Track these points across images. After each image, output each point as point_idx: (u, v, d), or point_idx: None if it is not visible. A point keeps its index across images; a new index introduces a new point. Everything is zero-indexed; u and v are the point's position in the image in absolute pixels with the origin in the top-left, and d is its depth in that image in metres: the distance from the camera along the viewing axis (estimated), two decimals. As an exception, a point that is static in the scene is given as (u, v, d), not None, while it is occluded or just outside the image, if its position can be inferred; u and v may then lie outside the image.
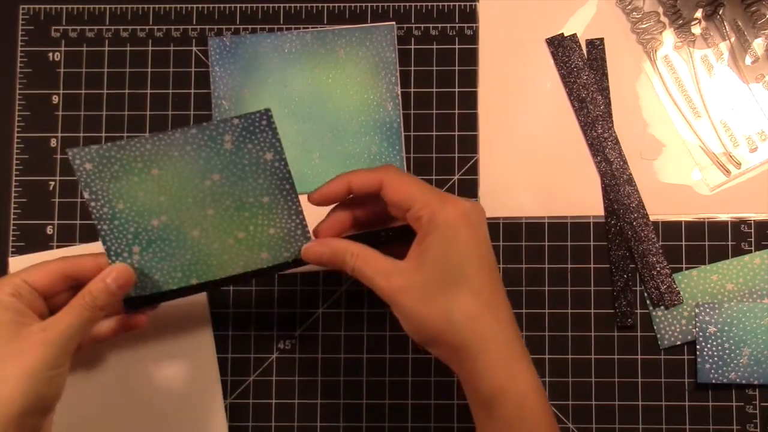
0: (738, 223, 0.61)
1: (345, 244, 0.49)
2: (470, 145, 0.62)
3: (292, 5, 0.63)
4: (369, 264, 0.47)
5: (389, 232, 0.51)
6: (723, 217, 0.61)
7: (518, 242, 0.61)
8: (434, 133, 0.62)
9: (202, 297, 0.60)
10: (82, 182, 0.51)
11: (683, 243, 0.61)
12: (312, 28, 0.62)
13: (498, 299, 0.47)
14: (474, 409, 0.47)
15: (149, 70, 0.62)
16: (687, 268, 0.60)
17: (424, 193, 0.47)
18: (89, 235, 0.60)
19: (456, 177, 0.61)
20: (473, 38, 0.62)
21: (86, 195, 0.51)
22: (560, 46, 0.62)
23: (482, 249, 0.47)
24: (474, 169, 0.61)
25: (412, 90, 0.62)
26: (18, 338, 0.45)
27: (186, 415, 0.59)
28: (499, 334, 0.46)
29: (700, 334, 0.59)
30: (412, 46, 0.62)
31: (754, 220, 0.61)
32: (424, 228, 0.46)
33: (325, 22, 0.63)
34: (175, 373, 0.59)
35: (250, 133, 0.51)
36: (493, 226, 0.61)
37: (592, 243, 0.61)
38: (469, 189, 0.61)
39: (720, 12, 0.61)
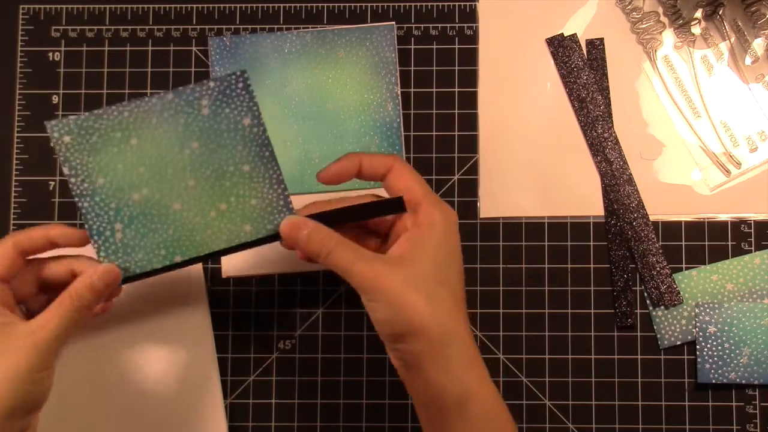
0: (738, 223, 0.61)
1: (326, 228, 0.48)
2: (470, 145, 0.62)
3: (292, 5, 0.63)
4: (349, 248, 0.47)
5: (370, 207, 0.50)
6: (723, 217, 0.61)
7: (518, 242, 0.61)
8: (434, 133, 0.62)
9: (202, 295, 0.60)
10: (62, 157, 0.50)
11: (683, 243, 0.61)
12: (312, 28, 0.62)
13: (464, 305, 0.48)
14: (439, 415, 0.46)
15: (149, 70, 0.62)
16: (687, 268, 0.60)
17: (425, 192, 0.48)
18: (89, 235, 0.60)
19: (456, 177, 0.61)
20: (473, 38, 0.62)
21: (66, 170, 0.51)
22: (560, 46, 0.62)
23: (460, 256, 0.48)
24: (474, 169, 0.61)
25: (412, 90, 0.62)
26: (5, 339, 0.45)
27: (185, 414, 0.59)
28: (468, 335, 0.46)
29: (700, 334, 0.59)
30: (412, 46, 0.62)
31: (754, 220, 0.61)
32: (420, 223, 0.47)
33: (325, 22, 0.63)
34: (175, 373, 0.59)
35: (226, 97, 0.50)
36: (493, 226, 0.61)
37: (592, 243, 0.61)
38: (469, 189, 0.61)
39: (720, 12, 0.61)
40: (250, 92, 0.51)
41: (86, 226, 0.51)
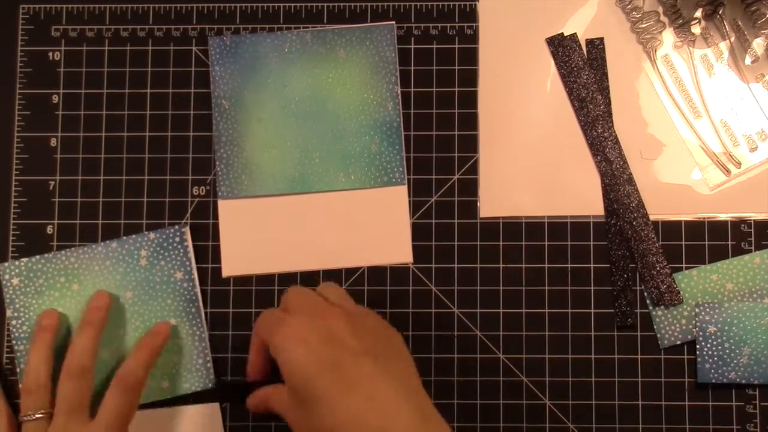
0: (738, 223, 0.61)
1: (264, 390, 0.52)
2: (470, 145, 0.62)
3: (292, 5, 0.63)
4: (276, 403, 0.50)
5: None
6: (723, 216, 0.61)
7: (518, 242, 0.61)
8: (434, 133, 0.62)
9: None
10: (8, 298, 0.55)
11: (683, 243, 0.60)
12: (312, 27, 0.62)
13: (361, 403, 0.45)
14: None
15: (149, 69, 0.62)
16: (687, 268, 0.60)
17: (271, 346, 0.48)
18: (89, 234, 0.60)
19: (456, 177, 0.61)
20: (473, 38, 0.62)
21: (9, 312, 0.55)
22: (560, 46, 0.62)
23: (322, 355, 0.46)
24: (474, 169, 0.61)
25: (412, 90, 0.62)
26: None
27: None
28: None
29: (700, 333, 0.59)
30: (412, 46, 0.62)
31: (754, 220, 0.61)
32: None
33: (325, 21, 0.63)
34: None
35: (164, 249, 0.54)
36: (493, 226, 0.61)
37: (592, 243, 0.61)
38: (469, 189, 0.61)
39: (720, 12, 0.61)
40: (185, 247, 0.55)
41: (18, 370, 0.54)
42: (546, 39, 0.62)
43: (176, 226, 0.54)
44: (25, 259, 0.55)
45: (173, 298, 0.55)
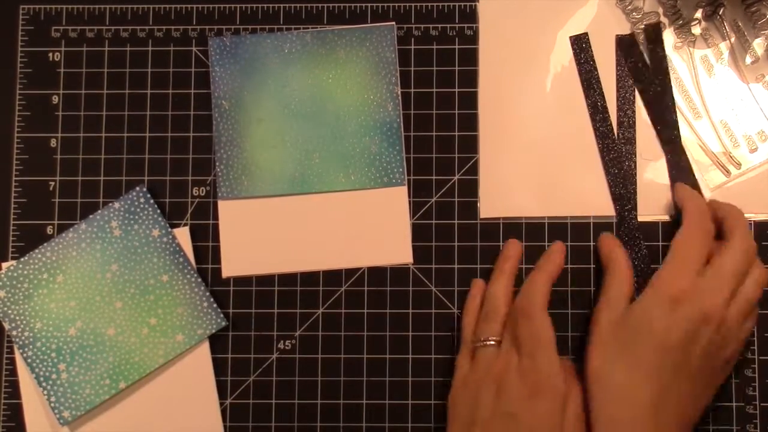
0: (738, 224, 0.61)
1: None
2: (470, 145, 0.62)
3: (292, 5, 0.63)
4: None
5: None
6: (723, 217, 0.61)
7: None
8: (434, 133, 0.62)
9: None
10: (1, 313, 0.55)
11: (683, 243, 0.60)
12: (312, 28, 0.62)
13: None
14: None
15: (149, 70, 0.62)
16: (687, 269, 0.60)
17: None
18: (89, 235, 0.60)
19: (456, 177, 0.61)
20: (473, 38, 0.62)
21: (7, 325, 0.55)
22: (582, 44, 0.61)
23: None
24: (474, 169, 0.61)
25: (412, 90, 0.62)
26: None
27: (180, 414, 0.59)
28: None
29: None
30: (412, 47, 0.62)
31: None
32: None
33: (325, 22, 0.63)
34: (170, 373, 0.59)
35: (132, 214, 0.55)
36: (493, 226, 0.61)
37: (592, 243, 0.61)
38: (469, 189, 0.61)
39: (720, 12, 0.61)
40: (153, 205, 0.55)
41: (32, 375, 0.54)
42: (570, 37, 0.62)
43: (137, 188, 0.55)
44: (2, 272, 0.56)
45: (158, 256, 0.55)
